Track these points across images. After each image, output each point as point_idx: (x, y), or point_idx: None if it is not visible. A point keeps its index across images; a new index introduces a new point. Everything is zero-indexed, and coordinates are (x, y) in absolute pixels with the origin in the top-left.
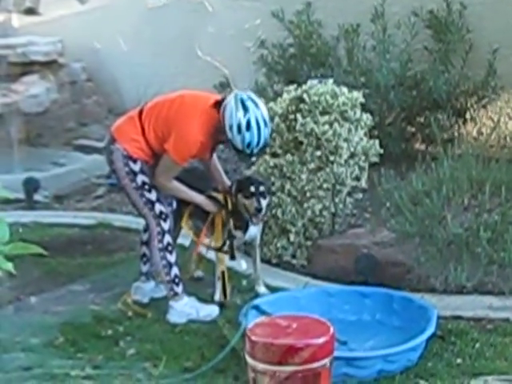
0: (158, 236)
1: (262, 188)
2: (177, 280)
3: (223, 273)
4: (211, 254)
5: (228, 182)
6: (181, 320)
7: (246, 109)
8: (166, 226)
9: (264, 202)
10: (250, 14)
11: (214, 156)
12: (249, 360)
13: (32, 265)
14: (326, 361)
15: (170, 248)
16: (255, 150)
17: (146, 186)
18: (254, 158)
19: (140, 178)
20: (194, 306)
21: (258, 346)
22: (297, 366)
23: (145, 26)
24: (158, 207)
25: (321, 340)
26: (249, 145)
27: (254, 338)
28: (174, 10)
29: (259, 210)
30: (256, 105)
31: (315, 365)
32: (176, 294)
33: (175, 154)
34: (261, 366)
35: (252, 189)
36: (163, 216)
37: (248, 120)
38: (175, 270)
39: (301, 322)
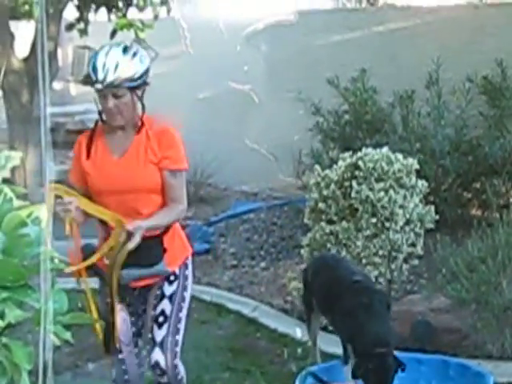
0: None
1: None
2: None
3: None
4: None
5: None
6: None
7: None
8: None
9: None
10: (295, 104)
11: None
12: None
13: (89, 331)
14: None
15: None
16: (100, 74)
17: None
18: (99, 86)
19: None
20: None
21: None
22: None
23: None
24: None
25: None
26: (93, 66)
27: None
28: (222, 100)
29: None
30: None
31: None
32: None
33: None
34: None
35: None
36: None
37: (102, 48)
38: None
39: None
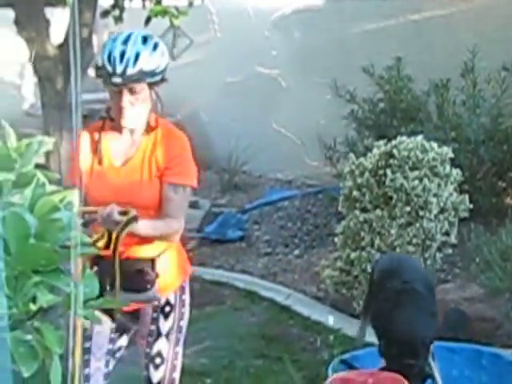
0: None
1: None
2: None
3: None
4: None
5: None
6: None
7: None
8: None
9: None
10: (323, 90)
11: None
12: None
13: None
14: None
15: None
16: (118, 65)
17: None
18: (117, 80)
19: None
20: None
21: None
22: None
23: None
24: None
25: None
26: (109, 56)
27: None
28: (249, 85)
29: None
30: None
31: None
32: None
33: None
34: None
35: None
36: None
37: (116, 35)
38: None
39: (377, 377)
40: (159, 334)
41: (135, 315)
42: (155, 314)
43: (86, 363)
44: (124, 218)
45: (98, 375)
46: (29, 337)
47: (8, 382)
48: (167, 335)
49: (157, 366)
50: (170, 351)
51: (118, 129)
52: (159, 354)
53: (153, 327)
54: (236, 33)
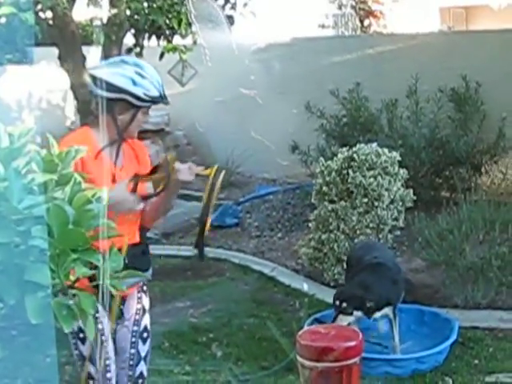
0: None
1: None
2: None
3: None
4: None
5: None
6: None
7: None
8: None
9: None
10: (296, 107)
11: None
12: (298, 358)
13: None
14: (355, 360)
15: None
16: (162, 90)
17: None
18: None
19: None
20: None
21: (302, 347)
22: (330, 363)
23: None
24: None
25: (349, 343)
26: (158, 83)
27: (301, 341)
28: (233, 102)
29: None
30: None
31: (345, 362)
32: None
33: None
34: (305, 363)
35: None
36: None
37: (143, 64)
38: None
39: (338, 330)
40: (144, 310)
41: (122, 302)
42: (139, 294)
43: (107, 368)
44: (203, 171)
45: (114, 375)
46: (70, 302)
47: (52, 335)
48: (149, 310)
49: (144, 340)
50: (151, 325)
51: (107, 137)
52: (146, 329)
53: (139, 306)
54: (223, 62)
